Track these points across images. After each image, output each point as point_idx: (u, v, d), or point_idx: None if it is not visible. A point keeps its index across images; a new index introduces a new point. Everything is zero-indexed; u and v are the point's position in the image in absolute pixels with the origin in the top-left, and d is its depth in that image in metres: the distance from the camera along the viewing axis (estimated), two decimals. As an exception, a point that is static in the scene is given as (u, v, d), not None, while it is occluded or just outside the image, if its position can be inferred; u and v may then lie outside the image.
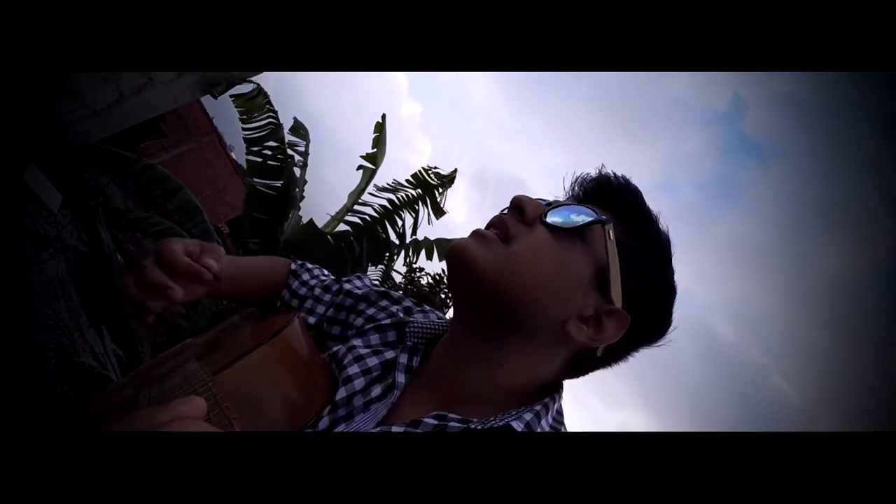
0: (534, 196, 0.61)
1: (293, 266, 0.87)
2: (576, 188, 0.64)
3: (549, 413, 0.55)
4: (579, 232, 0.56)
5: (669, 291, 0.59)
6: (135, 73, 2.66)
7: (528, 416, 0.53)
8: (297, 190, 3.95)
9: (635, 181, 0.61)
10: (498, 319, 0.56)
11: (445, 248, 4.00)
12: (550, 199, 0.62)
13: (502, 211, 0.62)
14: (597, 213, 0.56)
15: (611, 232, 0.56)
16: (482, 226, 0.60)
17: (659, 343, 0.61)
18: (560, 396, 0.59)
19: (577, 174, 0.64)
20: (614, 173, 0.61)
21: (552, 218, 0.57)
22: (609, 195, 0.60)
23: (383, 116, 4.14)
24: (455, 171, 3.79)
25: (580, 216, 0.57)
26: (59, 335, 1.91)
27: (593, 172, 0.63)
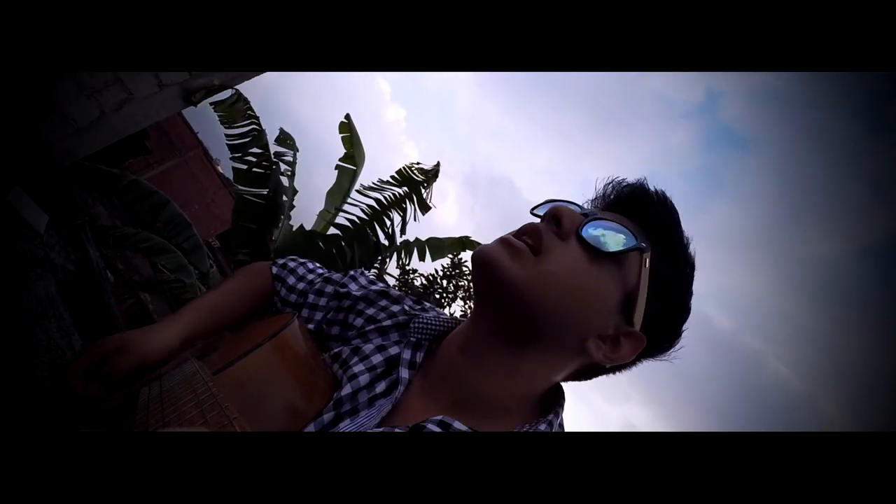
0: (559, 199, 0.60)
1: (274, 270, 0.84)
2: (609, 192, 0.62)
3: (557, 424, 0.56)
4: (616, 257, 0.54)
5: (684, 313, 0.59)
6: (115, 88, 2.64)
7: (542, 427, 0.54)
8: (286, 199, 3.91)
9: (623, 175, 0.61)
10: (524, 330, 0.55)
11: (440, 247, 3.94)
12: (584, 204, 0.62)
13: (533, 210, 0.62)
14: (636, 239, 0.55)
15: (647, 261, 0.55)
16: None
17: (664, 358, 0.61)
18: (563, 408, 0.59)
19: (613, 178, 0.62)
20: (655, 187, 0.60)
21: (589, 235, 0.55)
22: (644, 208, 0.58)
23: (347, 116, 4.01)
24: (438, 164, 3.72)
25: (619, 239, 0.55)
26: (52, 355, 1.89)
27: (631, 180, 0.61)
